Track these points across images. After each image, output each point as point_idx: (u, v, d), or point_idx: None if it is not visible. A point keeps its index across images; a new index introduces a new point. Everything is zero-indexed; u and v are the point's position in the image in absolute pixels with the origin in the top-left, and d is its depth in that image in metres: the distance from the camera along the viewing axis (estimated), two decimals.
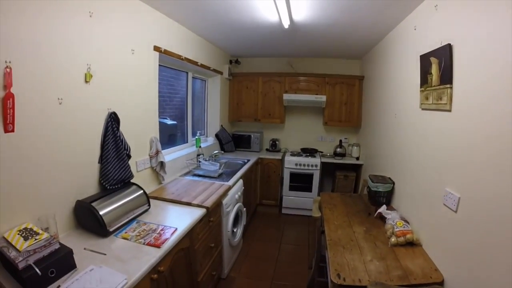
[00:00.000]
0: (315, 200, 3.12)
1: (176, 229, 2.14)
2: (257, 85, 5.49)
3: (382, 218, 2.70)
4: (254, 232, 4.55)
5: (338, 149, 5.29)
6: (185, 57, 3.53)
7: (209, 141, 5.07)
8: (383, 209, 2.72)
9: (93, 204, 2.02)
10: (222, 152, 4.90)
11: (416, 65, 2.55)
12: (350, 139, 5.62)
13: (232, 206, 3.28)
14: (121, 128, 2.45)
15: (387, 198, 3.05)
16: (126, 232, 2.07)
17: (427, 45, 2.36)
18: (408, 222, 2.48)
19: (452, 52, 1.98)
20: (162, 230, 2.11)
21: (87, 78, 2.09)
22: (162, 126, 3.82)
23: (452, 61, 1.98)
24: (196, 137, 4.27)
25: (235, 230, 3.55)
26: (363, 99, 5.14)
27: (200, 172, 3.64)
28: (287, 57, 5.63)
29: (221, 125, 5.32)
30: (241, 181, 3.77)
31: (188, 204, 2.63)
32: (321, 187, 5.27)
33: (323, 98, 5.11)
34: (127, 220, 2.20)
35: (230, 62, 5.48)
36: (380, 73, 4.02)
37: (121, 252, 1.81)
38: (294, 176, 5.16)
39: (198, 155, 4.06)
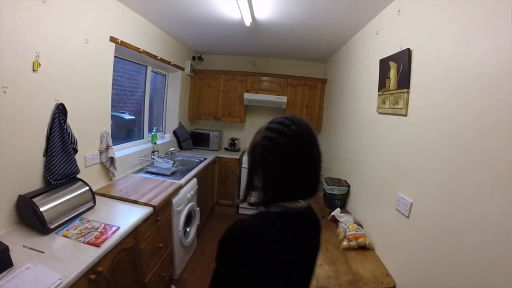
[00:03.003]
0: None
1: (119, 227, 2.12)
2: (218, 83, 5.50)
3: (336, 221, 2.77)
4: (209, 232, 4.56)
5: None
6: (143, 50, 3.48)
7: (166, 138, 5.02)
8: (336, 212, 2.81)
9: (34, 199, 1.96)
10: (178, 150, 4.85)
11: (376, 70, 2.65)
12: None
13: (183, 206, 3.28)
14: (70, 121, 2.39)
15: (342, 201, 3.16)
16: (67, 230, 2.02)
17: (387, 49, 2.47)
18: (361, 226, 2.58)
19: (411, 57, 2.09)
20: (104, 228, 2.09)
21: (35, 66, 2.02)
22: (119, 120, 3.78)
23: (410, 66, 2.09)
24: (152, 133, 4.21)
25: (187, 230, 3.56)
26: (325, 102, 5.31)
27: (153, 170, 3.61)
28: (250, 56, 5.69)
29: (180, 122, 5.28)
30: (195, 179, 3.78)
31: (135, 202, 2.60)
32: None
33: (284, 99, 5.21)
34: (70, 217, 2.14)
35: (193, 58, 5.45)
36: (341, 76, 4.18)
37: (60, 251, 1.77)
38: None
39: (153, 152, 4.01)
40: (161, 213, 2.73)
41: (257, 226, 1.00)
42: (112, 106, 3.47)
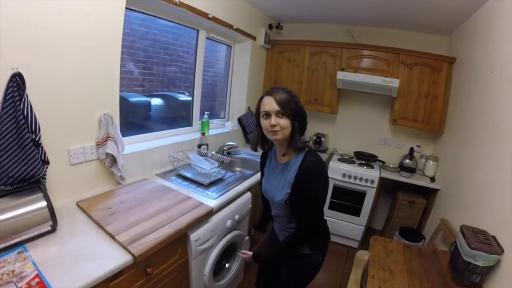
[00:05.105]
0: (358, 259, 1.85)
1: None
2: (302, 58, 4.22)
3: None
4: None
5: (407, 161, 3.88)
6: (180, 1, 2.40)
7: (227, 127, 3.96)
8: None
9: None
10: (237, 145, 3.69)
11: None
12: (423, 149, 4.18)
13: (215, 239, 2.15)
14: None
15: (483, 275, 1.79)
16: None
17: None
18: None
19: None
20: (28, 285, 1.18)
21: None
22: (171, 101, 3.23)
23: None
24: (203, 119, 3.19)
25: (227, 266, 2.55)
26: (452, 92, 3.60)
27: (188, 174, 2.55)
28: (346, 24, 4.28)
29: (248, 108, 4.22)
30: (248, 194, 2.63)
31: (112, 237, 1.58)
32: (372, 210, 3.93)
33: (394, 82, 3.66)
34: (3, 246, 1.39)
35: (270, 27, 4.30)
36: (491, 52, 2.56)
37: None
38: (338, 191, 3.87)
39: (200, 145, 3.00)
40: (155, 262, 1.65)
41: (320, 157, 1.65)
42: (176, 86, 3.19)
